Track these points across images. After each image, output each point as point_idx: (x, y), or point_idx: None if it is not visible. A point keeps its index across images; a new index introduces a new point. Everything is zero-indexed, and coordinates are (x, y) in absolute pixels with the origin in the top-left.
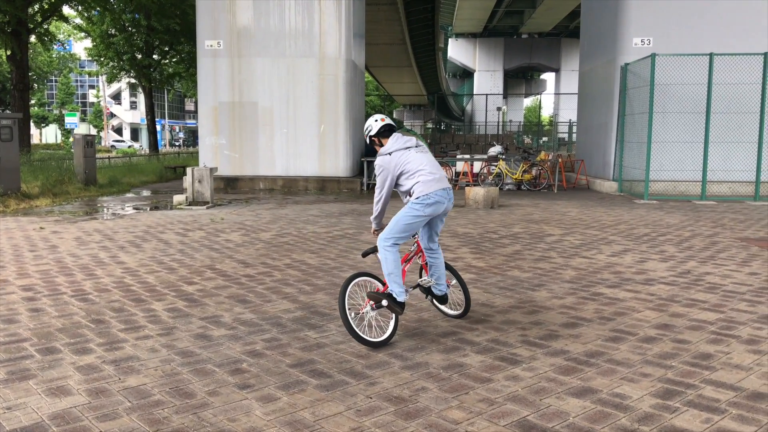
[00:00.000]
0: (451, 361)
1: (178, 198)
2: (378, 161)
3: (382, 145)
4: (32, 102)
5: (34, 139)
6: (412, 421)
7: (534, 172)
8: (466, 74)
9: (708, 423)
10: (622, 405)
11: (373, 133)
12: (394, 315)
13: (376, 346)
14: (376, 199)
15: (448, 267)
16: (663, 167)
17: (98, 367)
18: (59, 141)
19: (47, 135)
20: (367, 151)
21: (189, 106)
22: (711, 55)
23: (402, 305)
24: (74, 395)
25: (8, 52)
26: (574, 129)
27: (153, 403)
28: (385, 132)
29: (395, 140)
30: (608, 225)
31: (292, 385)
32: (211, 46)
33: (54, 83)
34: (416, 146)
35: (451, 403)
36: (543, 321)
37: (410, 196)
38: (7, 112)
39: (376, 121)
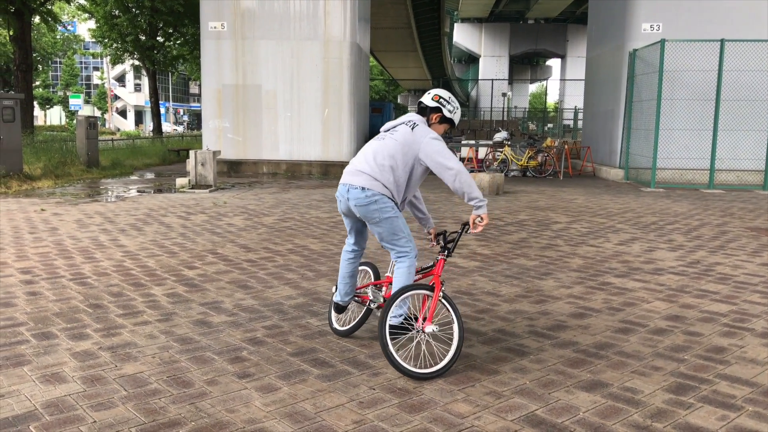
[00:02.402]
0: None
1: (180, 181)
2: None
3: None
4: (37, 83)
5: (39, 121)
6: (417, 414)
7: (540, 158)
8: (472, 59)
9: (724, 420)
10: (633, 400)
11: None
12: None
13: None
14: None
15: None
16: (670, 155)
17: (95, 353)
18: (63, 122)
19: (52, 116)
20: (371, 136)
21: (193, 89)
22: (722, 41)
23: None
24: (69, 383)
25: (11, 32)
26: (580, 116)
27: (150, 392)
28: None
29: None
30: (615, 213)
31: (293, 375)
32: (215, 27)
33: (58, 65)
34: (391, 129)
35: (457, 396)
36: (550, 311)
37: None
38: (11, 92)
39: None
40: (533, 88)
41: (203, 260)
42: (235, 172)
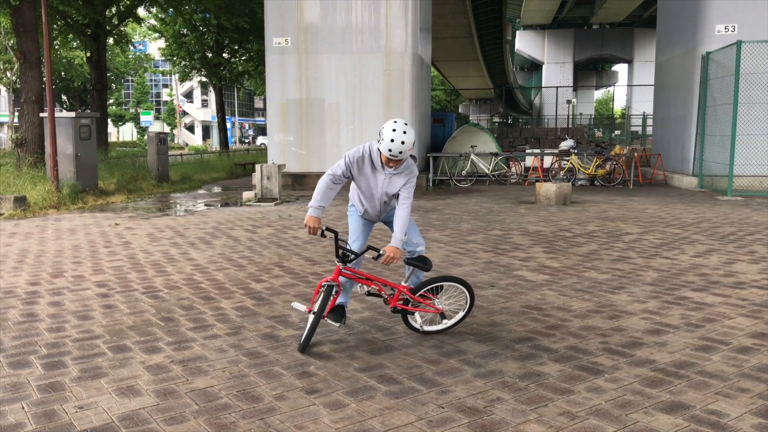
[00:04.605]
0: (527, 370)
1: (247, 194)
2: (416, 169)
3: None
4: (110, 101)
5: (112, 137)
6: None
7: (608, 167)
8: (534, 67)
9: None
10: (719, 424)
11: None
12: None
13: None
14: (410, 210)
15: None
16: (748, 161)
17: (167, 367)
18: (135, 139)
19: (124, 133)
20: (433, 147)
21: (258, 103)
22: None
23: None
24: (143, 396)
25: (88, 54)
26: (649, 122)
27: (220, 406)
28: None
29: None
30: (689, 223)
31: (361, 391)
32: (279, 43)
33: (130, 83)
34: None
35: (529, 416)
36: (625, 327)
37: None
38: (87, 111)
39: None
40: (599, 94)
41: (270, 273)
42: (299, 185)
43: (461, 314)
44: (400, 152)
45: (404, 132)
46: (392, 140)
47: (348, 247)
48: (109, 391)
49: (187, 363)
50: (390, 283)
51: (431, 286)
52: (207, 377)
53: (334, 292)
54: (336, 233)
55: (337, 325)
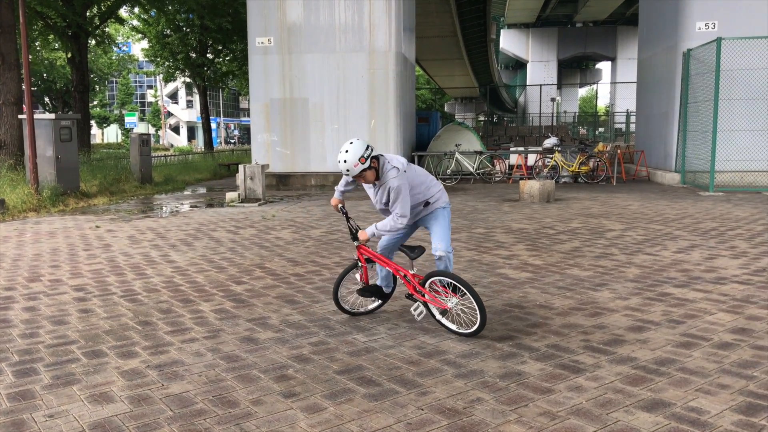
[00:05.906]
0: (507, 369)
1: (230, 195)
2: (398, 180)
3: (374, 168)
4: (94, 103)
5: (97, 139)
6: None
7: (591, 164)
8: (519, 65)
9: None
10: (699, 421)
11: (374, 153)
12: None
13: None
14: (401, 222)
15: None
16: (729, 157)
17: (142, 372)
18: (120, 140)
19: (109, 135)
20: (418, 146)
21: (243, 103)
22: None
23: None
24: (117, 402)
25: (69, 55)
26: (632, 119)
27: (195, 412)
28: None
29: (390, 157)
30: (672, 219)
31: (339, 394)
32: (262, 43)
33: (114, 84)
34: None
35: (509, 417)
36: (606, 324)
37: (429, 204)
38: (70, 113)
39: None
40: (583, 92)
41: (251, 275)
42: (283, 185)
43: (455, 327)
44: (347, 170)
45: (346, 151)
46: (338, 161)
47: (356, 226)
48: (81, 399)
49: (163, 368)
50: (402, 269)
51: (446, 281)
52: (183, 382)
53: (358, 267)
54: (346, 214)
55: (363, 299)
